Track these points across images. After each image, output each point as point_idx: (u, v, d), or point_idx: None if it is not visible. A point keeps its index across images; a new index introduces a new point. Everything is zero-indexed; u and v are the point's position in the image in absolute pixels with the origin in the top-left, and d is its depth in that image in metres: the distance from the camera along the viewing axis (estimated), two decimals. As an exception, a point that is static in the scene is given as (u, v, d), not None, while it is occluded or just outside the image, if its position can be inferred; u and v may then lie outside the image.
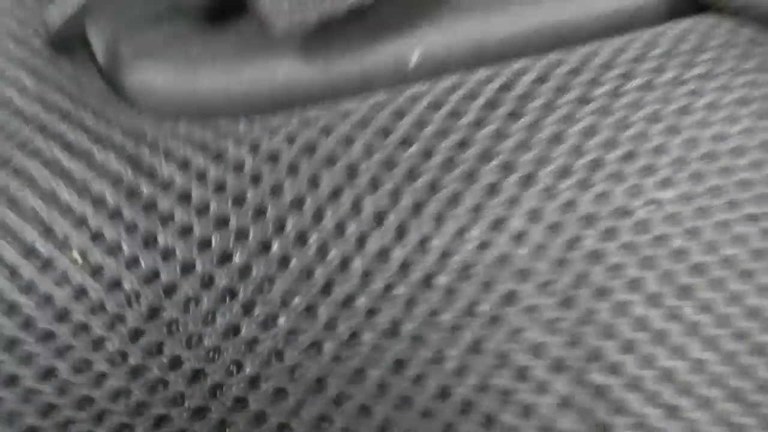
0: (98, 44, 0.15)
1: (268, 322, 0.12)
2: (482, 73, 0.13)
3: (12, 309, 0.13)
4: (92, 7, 0.15)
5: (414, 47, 0.14)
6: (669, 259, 0.12)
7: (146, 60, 0.14)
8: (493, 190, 0.12)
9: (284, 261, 0.12)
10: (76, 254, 0.13)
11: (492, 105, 0.13)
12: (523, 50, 0.14)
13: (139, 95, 0.14)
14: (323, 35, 0.14)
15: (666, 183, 0.12)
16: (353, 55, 0.14)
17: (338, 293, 0.12)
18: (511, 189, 0.12)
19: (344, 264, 0.12)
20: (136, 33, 0.14)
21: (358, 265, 0.12)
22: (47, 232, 0.13)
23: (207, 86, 0.14)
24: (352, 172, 0.13)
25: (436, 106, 0.13)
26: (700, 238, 0.12)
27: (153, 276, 0.12)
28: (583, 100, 0.13)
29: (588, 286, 0.12)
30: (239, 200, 0.13)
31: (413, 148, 0.13)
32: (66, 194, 0.13)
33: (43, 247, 0.13)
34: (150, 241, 0.13)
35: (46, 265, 0.13)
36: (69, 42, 0.15)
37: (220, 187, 0.13)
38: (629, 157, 0.12)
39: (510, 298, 0.12)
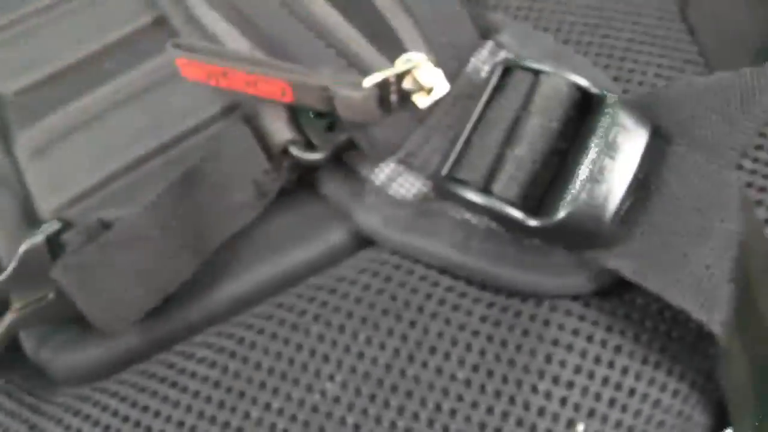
0: (28, 345, 0.23)
1: None
2: None
3: None
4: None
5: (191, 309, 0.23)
6: None
7: (57, 354, 0.23)
8: None
9: None
10: None
11: None
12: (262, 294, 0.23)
13: (57, 372, 0.23)
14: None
15: None
16: (155, 329, 0.23)
17: None
18: None
19: None
20: (49, 339, 0.23)
21: None
22: None
23: (87, 362, 0.23)
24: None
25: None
26: None
27: None
28: None
29: None
30: None
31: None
32: None
33: None
34: None
35: None
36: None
37: None
38: None
39: None
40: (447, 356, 0.20)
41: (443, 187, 0.20)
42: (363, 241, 0.22)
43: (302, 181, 0.23)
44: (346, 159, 0.23)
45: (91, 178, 0.25)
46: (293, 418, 0.20)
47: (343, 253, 0.22)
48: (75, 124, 0.26)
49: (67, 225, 0.23)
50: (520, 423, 0.19)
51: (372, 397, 0.20)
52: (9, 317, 0.22)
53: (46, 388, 0.23)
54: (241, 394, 0.20)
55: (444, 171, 0.20)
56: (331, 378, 0.20)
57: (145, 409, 0.21)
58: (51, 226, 0.23)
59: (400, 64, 0.21)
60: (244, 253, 0.23)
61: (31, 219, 0.25)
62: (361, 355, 0.20)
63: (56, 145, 0.26)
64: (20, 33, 0.28)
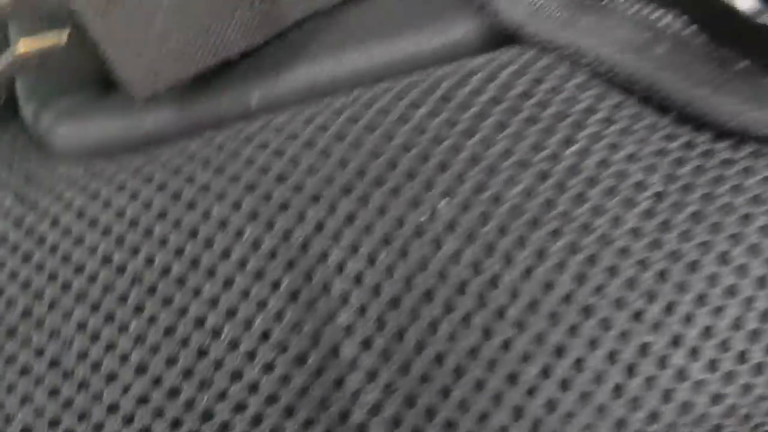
0: (28, 111, 0.18)
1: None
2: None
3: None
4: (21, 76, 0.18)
5: (254, 93, 0.17)
6: None
7: (61, 120, 0.17)
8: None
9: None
10: None
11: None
12: (348, 83, 0.17)
13: (56, 145, 0.17)
14: (180, 88, 0.17)
15: None
16: (207, 103, 0.17)
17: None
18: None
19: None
20: (53, 102, 0.18)
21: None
22: None
23: (91, 137, 0.17)
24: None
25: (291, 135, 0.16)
26: None
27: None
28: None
29: None
30: (107, 231, 0.16)
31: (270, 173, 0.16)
32: None
33: None
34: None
35: None
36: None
37: (93, 222, 0.16)
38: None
39: None
40: (610, 192, 0.14)
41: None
42: (493, 43, 0.17)
43: None
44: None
45: None
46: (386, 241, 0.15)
47: (464, 52, 0.17)
48: None
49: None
50: (701, 300, 0.14)
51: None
52: (6, 58, 0.17)
53: (43, 164, 0.17)
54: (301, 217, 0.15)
55: None
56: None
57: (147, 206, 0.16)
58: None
59: None
60: (332, 34, 0.17)
61: None
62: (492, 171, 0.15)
63: None
64: None
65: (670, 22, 0.15)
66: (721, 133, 0.15)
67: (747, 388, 0.14)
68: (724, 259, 0.14)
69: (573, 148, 0.15)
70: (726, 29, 0.15)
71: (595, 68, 0.15)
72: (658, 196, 0.14)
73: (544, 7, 0.16)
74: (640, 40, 0.15)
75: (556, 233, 0.14)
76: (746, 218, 0.14)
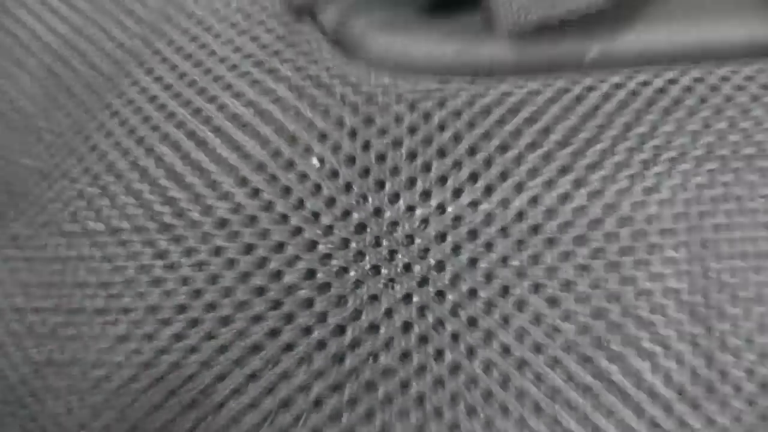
0: (330, 18, 0.18)
1: None
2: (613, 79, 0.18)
3: (254, 193, 0.16)
4: None
5: (592, 46, 0.18)
6: None
7: (374, 31, 0.18)
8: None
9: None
10: (315, 160, 0.16)
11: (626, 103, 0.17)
12: (676, 59, 0.18)
13: (364, 56, 0.18)
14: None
15: None
16: (544, 46, 0.18)
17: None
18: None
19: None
20: (364, 12, 0.18)
21: None
22: (291, 140, 0.16)
23: (419, 53, 0.18)
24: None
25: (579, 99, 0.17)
26: None
27: (379, 185, 0.16)
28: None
29: None
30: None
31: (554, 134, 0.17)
32: (309, 113, 0.17)
33: (286, 151, 0.16)
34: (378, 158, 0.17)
35: (288, 164, 0.16)
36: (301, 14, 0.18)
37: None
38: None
39: None
40: None
41: None
42: None
43: None
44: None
45: None
46: None
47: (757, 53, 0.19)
48: None
49: None
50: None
51: None
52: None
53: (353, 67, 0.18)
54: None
55: None
56: None
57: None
58: None
59: None
60: (668, 5, 0.18)
61: None
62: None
63: None
64: None
65: None
66: None
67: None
68: None
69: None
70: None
71: None
72: None
73: None
74: None
75: None
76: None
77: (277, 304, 0.16)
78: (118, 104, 0.18)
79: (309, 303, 0.16)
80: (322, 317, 0.16)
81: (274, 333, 0.16)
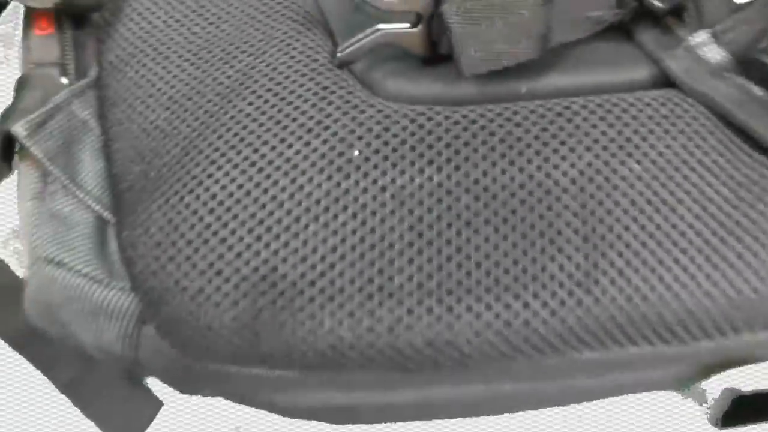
0: (359, 68, 0.29)
1: None
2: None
3: None
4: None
5: (524, 84, 0.29)
6: None
7: (388, 76, 0.29)
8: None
9: None
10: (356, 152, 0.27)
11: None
12: (577, 93, 0.29)
13: (386, 91, 0.28)
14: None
15: None
16: (493, 84, 0.29)
17: None
18: None
19: None
20: (382, 64, 0.29)
21: None
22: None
23: (418, 91, 0.29)
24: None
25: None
26: None
27: None
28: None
29: None
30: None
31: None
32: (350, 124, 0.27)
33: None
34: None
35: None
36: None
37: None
38: None
39: None
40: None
41: (751, 57, 0.28)
42: (658, 84, 0.29)
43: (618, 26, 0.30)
44: (667, 21, 0.30)
45: None
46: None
47: (639, 88, 0.29)
48: None
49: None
50: None
51: None
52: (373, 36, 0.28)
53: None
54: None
55: (760, 46, 0.28)
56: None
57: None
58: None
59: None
60: (568, 60, 0.29)
61: None
62: None
63: None
64: None
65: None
66: None
67: None
68: None
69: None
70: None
71: (710, 105, 0.28)
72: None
73: (695, 70, 0.29)
74: (735, 94, 0.28)
75: None
76: None
77: None
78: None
79: None
80: None
81: None
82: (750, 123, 0.28)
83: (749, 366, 0.35)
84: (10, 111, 0.29)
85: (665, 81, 0.29)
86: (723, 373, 0.36)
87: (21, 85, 0.30)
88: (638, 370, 0.32)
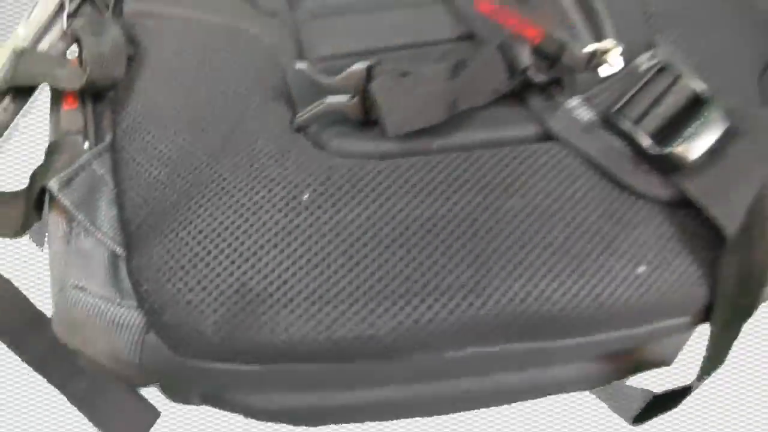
0: (312, 131, 0.37)
1: None
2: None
3: None
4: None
5: (436, 140, 0.37)
6: None
7: (335, 138, 0.37)
8: None
9: None
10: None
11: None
12: (474, 148, 0.37)
13: (333, 150, 0.37)
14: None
15: None
16: (412, 140, 0.37)
17: None
18: None
19: None
20: (329, 127, 0.37)
21: None
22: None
23: (356, 148, 0.37)
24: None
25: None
26: None
27: None
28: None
29: None
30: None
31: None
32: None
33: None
34: None
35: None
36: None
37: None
38: None
39: None
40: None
41: (612, 119, 0.37)
42: (543, 140, 0.37)
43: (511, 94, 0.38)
44: (549, 90, 0.38)
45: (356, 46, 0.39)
46: None
47: (528, 142, 0.37)
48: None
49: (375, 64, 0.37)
50: None
51: None
52: (321, 106, 0.37)
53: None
54: None
55: (613, 109, 0.37)
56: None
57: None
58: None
59: (605, 44, 0.37)
60: (469, 121, 0.38)
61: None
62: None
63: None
64: None
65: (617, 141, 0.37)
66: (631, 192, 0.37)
67: None
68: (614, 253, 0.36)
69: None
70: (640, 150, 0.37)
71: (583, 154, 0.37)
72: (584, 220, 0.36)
73: (571, 127, 0.37)
74: (600, 145, 0.37)
75: None
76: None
77: None
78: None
79: None
80: None
81: None
82: (611, 168, 0.36)
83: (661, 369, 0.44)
84: (44, 170, 0.38)
85: (548, 137, 0.37)
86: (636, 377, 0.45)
87: (52, 150, 0.39)
88: (542, 366, 0.40)
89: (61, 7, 0.41)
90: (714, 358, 0.38)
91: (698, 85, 0.36)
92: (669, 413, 0.43)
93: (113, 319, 0.36)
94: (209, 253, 0.34)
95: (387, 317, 0.33)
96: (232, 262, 0.34)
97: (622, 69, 0.38)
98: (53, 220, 0.38)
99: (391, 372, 0.37)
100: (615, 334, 0.36)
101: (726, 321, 0.36)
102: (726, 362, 0.38)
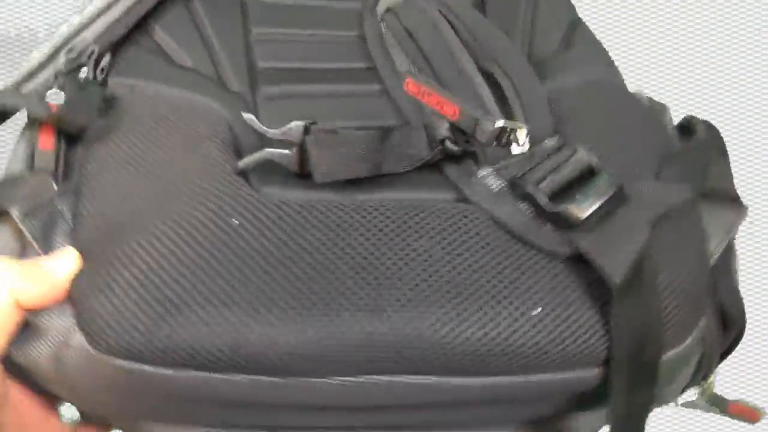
0: (252, 179, 0.42)
1: None
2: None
3: None
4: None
5: (359, 193, 0.42)
6: None
7: (268, 183, 0.42)
8: None
9: None
10: (234, 221, 0.39)
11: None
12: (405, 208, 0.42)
13: (262, 193, 0.41)
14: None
15: None
16: (338, 190, 0.42)
17: None
18: None
19: None
20: (266, 174, 0.42)
21: None
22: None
23: (290, 195, 0.41)
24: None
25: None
26: None
27: None
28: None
29: None
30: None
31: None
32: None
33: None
34: None
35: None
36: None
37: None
38: None
39: None
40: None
41: (517, 183, 0.41)
42: (462, 201, 0.42)
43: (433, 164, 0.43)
44: (464, 160, 0.43)
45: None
46: None
47: (450, 201, 0.42)
48: None
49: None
50: None
51: None
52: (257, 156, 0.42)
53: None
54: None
55: (518, 175, 0.41)
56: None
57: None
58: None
59: (512, 123, 0.42)
60: (392, 182, 0.43)
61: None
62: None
63: None
64: None
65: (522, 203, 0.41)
66: (532, 247, 0.41)
67: None
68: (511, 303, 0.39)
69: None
70: (541, 210, 0.41)
71: (494, 217, 0.41)
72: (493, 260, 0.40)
73: (482, 192, 0.41)
74: (508, 209, 0.41)
75: None
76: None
77: None
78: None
79: None
80: None
81: None
82: (518, 228, 0.40)
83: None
84: (11, 191, 0.42)
85: (464, 202, 0.42)
86: None
87: (22, 176, 0.43)
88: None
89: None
90: (618, 427, 0.40)
91: (592, 159, 0.41)
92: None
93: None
94: (141, 271, 0.38)
95: (287, 332, 0.36)
96: (159, 277, 0.38)
97: (530, 149, 0.43)
98: (4, 234, 0.42)
99: (286, 394, 0.39)
100: (509, 379, 0.38)
101: (630, 381, 0.38)
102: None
